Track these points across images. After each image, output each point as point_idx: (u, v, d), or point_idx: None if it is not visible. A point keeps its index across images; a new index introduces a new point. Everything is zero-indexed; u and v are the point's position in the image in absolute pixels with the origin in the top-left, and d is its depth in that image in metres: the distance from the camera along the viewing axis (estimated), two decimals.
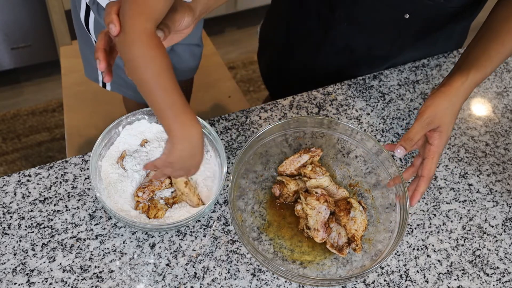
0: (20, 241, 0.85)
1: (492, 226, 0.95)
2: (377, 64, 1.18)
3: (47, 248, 0.84)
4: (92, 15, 0.99)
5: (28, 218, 0.87)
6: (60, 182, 0.91)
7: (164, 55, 0.70)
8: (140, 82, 0.71)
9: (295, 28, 1.22)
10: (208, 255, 0.86)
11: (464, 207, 0.97)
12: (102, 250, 0.85)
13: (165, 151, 0.74)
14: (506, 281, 0.89)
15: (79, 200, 0.90)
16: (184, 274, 0.84)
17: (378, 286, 0.86)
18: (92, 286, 0.81)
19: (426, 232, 0.93)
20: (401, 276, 0.88)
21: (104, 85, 1.16)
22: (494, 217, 0.97)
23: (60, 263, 0.83)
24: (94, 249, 0.85)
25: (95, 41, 1.06)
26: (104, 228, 0.87)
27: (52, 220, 0.87)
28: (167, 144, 0.73)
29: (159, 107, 0.71)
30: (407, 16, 1.04)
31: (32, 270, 0.82)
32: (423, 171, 0.86)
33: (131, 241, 0.86)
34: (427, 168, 0.86)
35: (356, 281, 0.86)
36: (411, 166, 0.91)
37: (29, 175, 0.92)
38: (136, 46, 0.69)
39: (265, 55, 1.43)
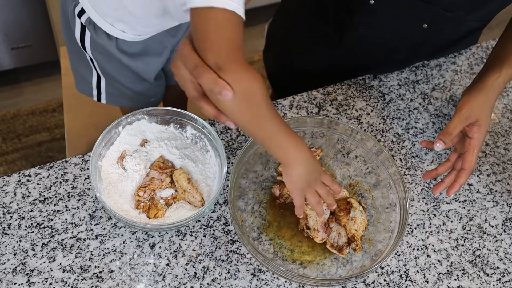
0: (20, 241, 0.85)
1: (492, 226, 0.95)
2: (393, 67, 1.17)
3: (47, 248, 0.84)
4: (88, 34, 0.98)
5: (28, 218, 0.87)
6: (60, 182, 0.91)
7: (265, 89, 0.70)
8: (249, 124, 0.72)
9: (309, 29, 1.22)
10: (208, 255, 0.86)
11: (464, 207, 0.97)
12: (102, 250, 0.85)
13: (286, 181, 0.78)
14: (506, 281, 0.89)
15: (79, 200, 0.90)
16: (184, 274, 0.84)
17: (378, 286, 0.86)
18: (92, 286, 0.81)
19: (426, 232, 0.93)
20: (401, 276, 0.88)
21: (99, 98, 1.14)
22: (494, 217, 0.97)
23: (60, 263, 0.83)
24: (94, 249, 0.85)
25: (90, 58, 1.04)
26: (104, 228, 0.87)
27: (52, 220, 0.87)
28: (284, 175, 0.78)
29: (276, 145, 0.74)
30: (425, 26, 1.03)
31: (32, 270, 0.82)
32: (464, 164, 0.89)
33: (131, 241, 0.86)
34: (468, 161, 0.89)
35: (356, 281, 0.86)
36: (447, 161, 0.94)
37: (29, 175, 0.92)
38: (246, 89, 0.68)
39: (272, 54, 1.42)
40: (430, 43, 1.11)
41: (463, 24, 1.05)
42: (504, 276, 0.90)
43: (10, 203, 0.88)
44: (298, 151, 0.75)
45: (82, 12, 0.95)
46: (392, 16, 1.04)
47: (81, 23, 0.96)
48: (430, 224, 0.94)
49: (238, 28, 0.67)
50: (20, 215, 0.87)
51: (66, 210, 0.89)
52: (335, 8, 1.12)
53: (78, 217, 0.88)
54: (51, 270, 0.82)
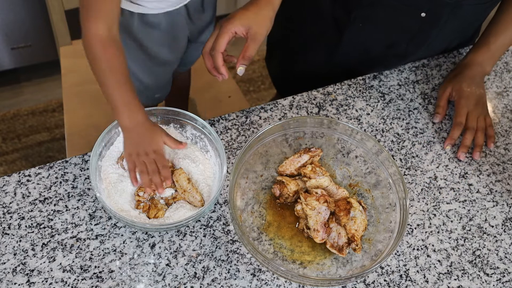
0: (20, 241, 0.85)
1: (492, 226, 0.95)
2: (393, 63, 1.18)
3: (47, 248, 0.84)
4: None
5: (28, 218, 0.87)
6: (60, 182, 0.91)
7: (115, 55, 0.81)
8: (97, 78, 0.83)
9: (308, 30, 1.22)
10: (208, 255, 0.86)
11: (464, 207, 0.97)
12: (102, 250, 0.85)
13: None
14: (506, 281, 0.89)
15: (79, 200, 0.90)
16: (184, 274, 0.84)
17: (378, 286, 0.86)
18: (92, 286, 0.81)
19: (426, 232, 0.93)
20: (401, 276, 0.88)
21: None
22: (494, 217, 0.97)
23: (60, 263, 0.83)
24: (94, 249, 0.85)
25: None
26: (104, 228, 0.87)
27: (52, 220, 0.87)
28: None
29: (110, 101, 0.84)
30: (423, 15, 1.04)
31: (32, 270, 0.82)
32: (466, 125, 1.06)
33: (131, 241, 0.86)
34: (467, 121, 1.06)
35: (356, 281, 0.86)
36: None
37: (29, 175, 0.92)
38: (91, 49, 0.80)
39: (275, 59, 1.42)
40: (429, 34, 1.11)
41: (460, 9, 1.05)
42: (504, 276, 0.90)
43: (10, 203, 0.88)
44: (127, 118, 0.84)
45: None
46: (389, 8, 1.05)
47: None
48: (430, 224, 0.94)
49: None
50: (20, 215, 0.87)
51: (66, 210, 0.88)
52: (332, 7, 1.12)
53: (78, 217, 0.88)
54: (51, 270, 0.82)
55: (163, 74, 1.18)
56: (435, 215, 0.96)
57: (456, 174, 1.01)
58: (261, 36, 0.90)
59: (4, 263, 0.82)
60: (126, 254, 0.85)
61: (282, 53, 1.37)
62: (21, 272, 0.82)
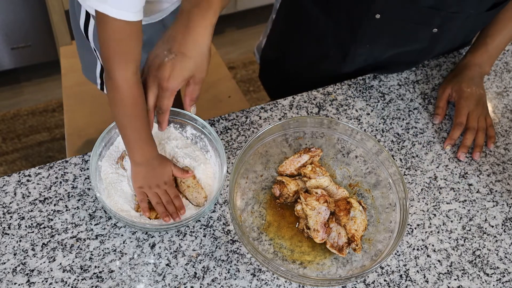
0: (20, 241, 0.85)
1: (492, 226, 0.95)
2: (402, 68, 1.17)
3: (47, 248, 0.84)
4: (92, 22, 0.99)
5: (28, 218, 0.87)
6: (60, 182, 0.91)
7: (138, 98, 0.81)
8: (116, 118, 0.83)
9: (309, 52, 1.20)
10: (208, 255, 0.86)
11: (464, 207, 0.97)
12: (102, 250, 0.85)
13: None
14: (506, 281, 0.89)
15: (79, 200, 0.90)
16: (184, 274, 0.84)
17: (378, 286, 0.86)
18: (92, 286, 0.81)
19: (426, 232, 0.93)
20: (401, 276, 0.88)
21: (102, 88, 1.16)
22: (494, 217, 0.97)
23: (60, 263, 0.83)
24: (94, 249, 0.85)
25: (94, 49, 1.06)
26: (104, 228, 0.87)
27: (52, 220, 0.87)
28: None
29: (125, 139, 0.85)
30: (435, 30, 1.03)
31: (32, 270, 0.82)
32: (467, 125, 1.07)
33: (131, 241, 0.86)
34: (468, 121, 1.07)
35: (356, 281, 0.86)
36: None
37: (29, 175, 0.92)
38: (117, 93, 0.79)
39: (270, 76, 1.40)
40: (439, 43, 1.10)
41: (469, 18, 1.04)
42: (504, 276, 0.90)
43: (10, 203, 0.88)
44: (141, 155, 0.85)
45: None
46: (399, 27, 1.03)
47: (86, 11, 0.96)
48: (430, 224, 0.94)
49: (130, 35, 0.76)
50: (20, 215, 0.87)
51: (66, 210, 0.89)
52: (335, 29, 1.10)
53: (78, 217, 0.88)
54: (51, 270, 0.82)
55: None
56: (435, 215, 0.96)
57: (456, 174, 1.01)
58: (204, 77, 0.85)
59: (4, 263, 0.82)
60: (126, 254, 0.85)
61: (278, 70, 1.34)
62: (21, 272, 0.82)
